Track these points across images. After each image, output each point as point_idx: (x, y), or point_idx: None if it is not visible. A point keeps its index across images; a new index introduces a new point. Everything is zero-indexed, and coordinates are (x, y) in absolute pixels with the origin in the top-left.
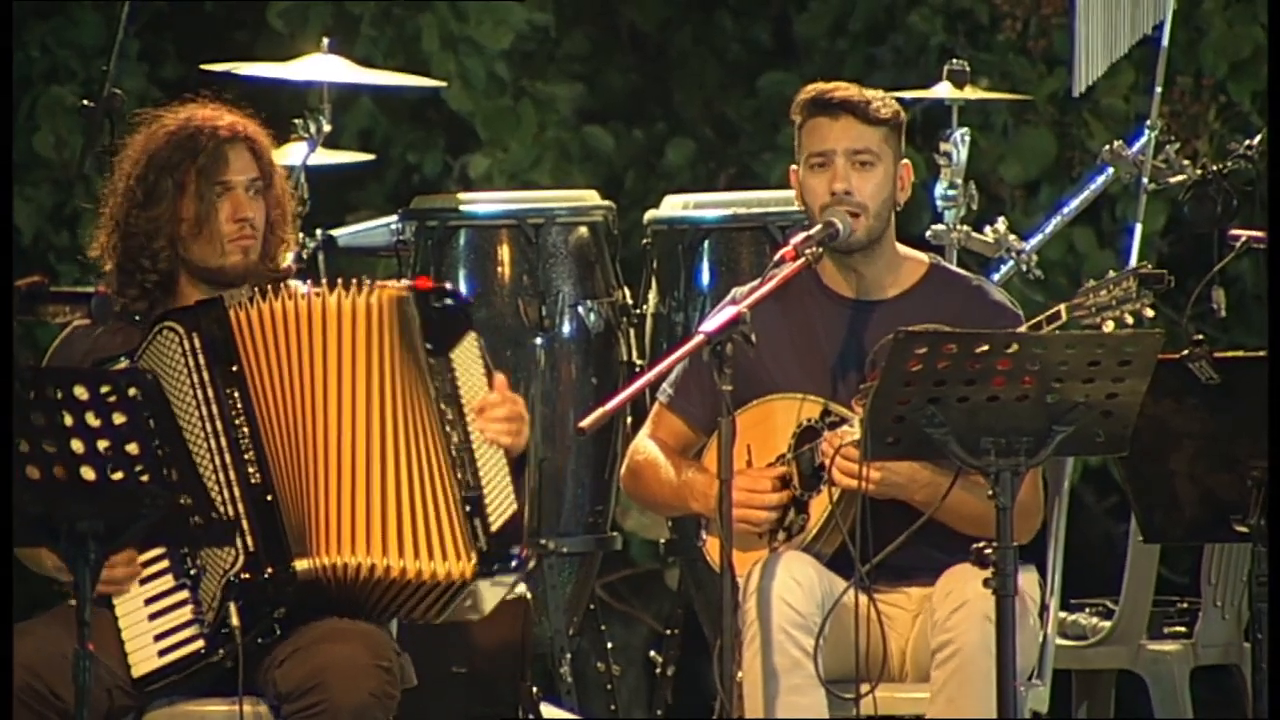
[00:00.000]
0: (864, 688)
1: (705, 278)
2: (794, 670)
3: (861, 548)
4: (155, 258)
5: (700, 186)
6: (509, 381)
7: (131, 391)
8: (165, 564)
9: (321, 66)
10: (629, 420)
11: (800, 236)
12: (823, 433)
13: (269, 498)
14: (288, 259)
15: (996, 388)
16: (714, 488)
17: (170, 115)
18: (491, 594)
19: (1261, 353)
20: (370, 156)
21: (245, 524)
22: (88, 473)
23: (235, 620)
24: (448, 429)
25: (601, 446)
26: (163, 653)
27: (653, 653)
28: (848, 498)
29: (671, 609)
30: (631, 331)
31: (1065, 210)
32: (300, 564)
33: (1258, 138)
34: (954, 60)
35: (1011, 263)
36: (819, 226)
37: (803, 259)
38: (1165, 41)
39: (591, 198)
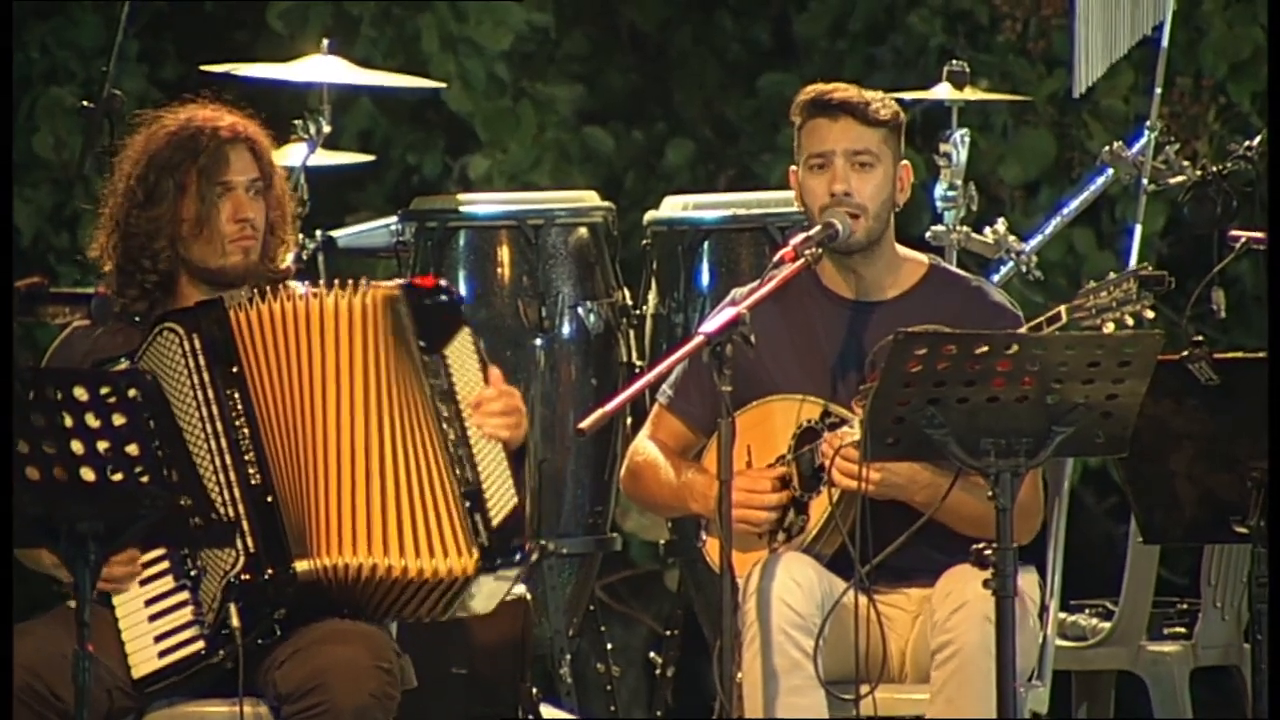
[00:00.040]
0: (864, 688)
1: (705, 279)
2: (794, 671)
3: (861, 549)
4: (155, 258)
5: (700, 187)
6: (508, 382)
7: (131, 392)
8: (165, 565)
9: (321, 67)
10: (629, 421)
11: (800, 237)
12: (822, 434)
13: (269, 499)
14: (287, 260)
15: (996, 389)
16: (714, 488)
17: (170, 116)
18: (495, 588)
19: (1261, 354)
20: (370, 157)
21: (245, 525)
22: (87, 474)
23: (235, 621)
24: (444, 426)
25: (601, 447)
26: (163, 654)
27: (652, 654)
28: (847, 499)
29: (671, 610)
30: (631, 332)
31: (1065, 211)
32: (300, 565)
33: (1257, 138)
34: (954, 61)
35: (1011, 264)
36: (818, 227)
37: (802, 260)
38: (1165, 42)
39: (591, 198)
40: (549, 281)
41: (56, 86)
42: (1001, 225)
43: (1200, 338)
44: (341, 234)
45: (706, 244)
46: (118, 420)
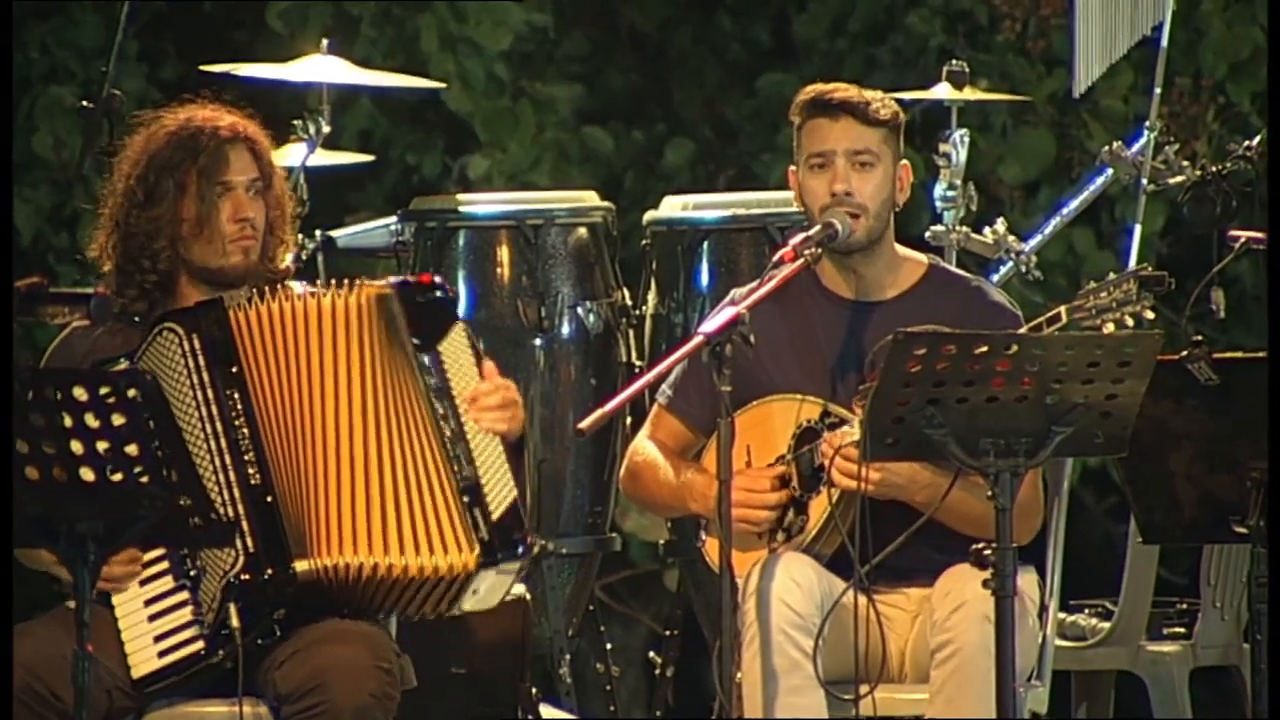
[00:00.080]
0: (863, 688)
1: (704, 279)
2: (793, 671)
3: (861, 549)
4: (155, 258)
5: (700, 187)
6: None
7: (131, 392)
8: (165, 565)
9: (321, 67)
10: (628, 421)
11: (799, 237)
12: (822, 433)
13: (269, 499)
14: (286, 260)
15: (996, 389)
16: (713, 488)
17: (170, 116)
18: (498, 582)
19: (1261, 354)
20: (369, 157)
21: (245, 525)
22: (87, 474)
23: (235, 621)
24: (441, 422)
25: (601, 447)
26: (163, 654)
27: (652, 654)
28: (847, 499)
29: (671, 610)
30: (631, 332)
31: (1064, 211)
32: (300, 565)
33: (1257, 138)
34: (953, 61)
35: (1011, 264)
36: (818, 227)
37: (802, 260)
38: (1164, 42)
39: (591, 198)
40: (548, 281)
41: (56, 86)
42: (1001, 225)
43: (1200, 338)
44: (341, 234)
45: (706, 244)
46: (117, 420)
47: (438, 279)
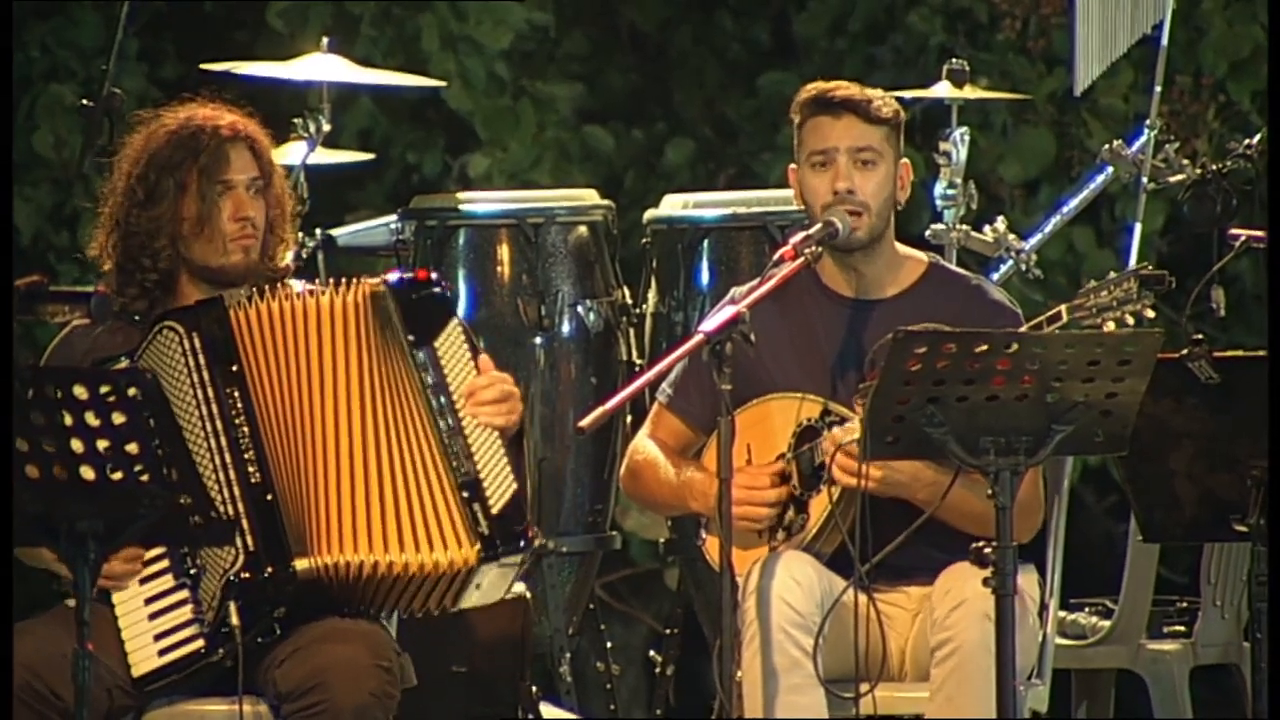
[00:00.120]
0: (863, 687)
1: (705, 277)
2: (793, 670)
3: (861, 547)
4: (156, 257)
5: (700, 186)
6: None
7: (131, 391)
8: (165, 563)
9: (321, 66)
10: (629, 420)
11: (799, 236)
12: (822, 432)
13: (269, 497)
14: (286, 258)
15: (996, 387)
16: (713, 487)
17: (170, 115)
18: (501, 575)
19: (1261, 352)
20: (370, 156)
21: (245, 523)
22: (87, 472)
23: (235, 620)
24: (438, 418)
25: (601, 446)
26: (163, 652)
27: (652, 652)
28: (847, 497)
29: (671, 609)
30: (631, 331)
31: (1065, 210)
32: (300, 563)
33: (1257, 137)
34: (953, 60)
35: (1011, 262)
36: (818, 226)
37: (802, 258)
38: (1165, 41)
39: (591, 197)
40: (549, 280)
41: (57, 85)
42: (1001, 224)
43: (1200, 336)
44: (341, 232)
45: (706, 243)
46: (117, 419)
47: (434, 275)
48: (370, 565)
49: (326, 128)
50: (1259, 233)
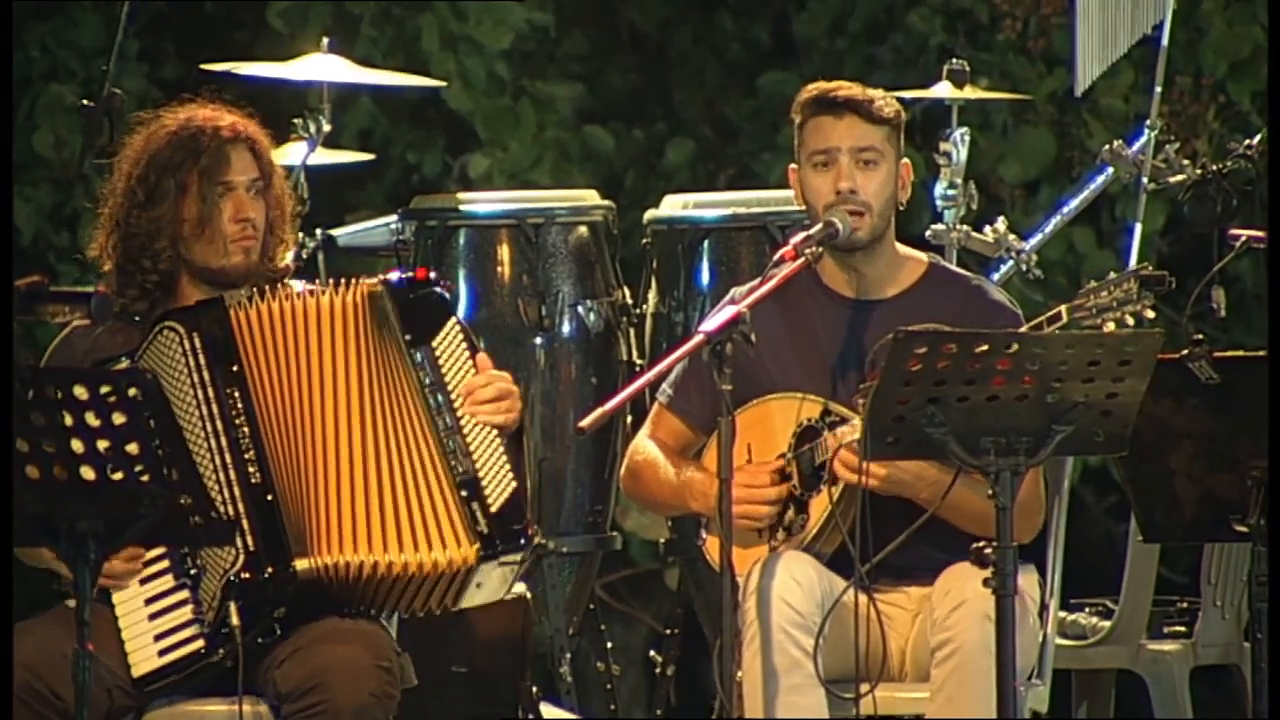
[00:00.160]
0: (864, 687)
1: (705, 277)
2: (794, 670)
3: (861, 547)
4: (156, 258)
5: (700, 186)
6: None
7: (131, 391)
8: (165, 564)
9: (321, 66)
10: (629, 420)
11: (800, 236)
12: (822, 432)
13: (269, 497)
14: (286, 258)
15: (996, 387)
16: (713, 487)
17: (170, 115)
18: (503, 574)
19: (1261, 353)
20: (370, 156)
21: (245, 524)
22: (87, 472)
23: (235, 620)
24: (436, 417)
25: (601, 446)
26: (163, 652)
27: (653, 653)
28: (848, 497)
29: (671, 609)
30: (631, 331)
31: (1065, 210)
32: (300, 563)
33: (1257, 137)
34: (954, 60)
35: (1011, 262)
36: (819, 226)
37: (802, 259)
38: (1165, 41)
39: (591, 197)
40: (549, 280)
41: (57, 85)
42: (1001, 224)
43: (1200, 337)
44: (341, 233)
45: (706, 243)
46: (118, 419)
47: (433, 275)
48: (369, 565)
49: (327, 128)
50: (1259, 233)
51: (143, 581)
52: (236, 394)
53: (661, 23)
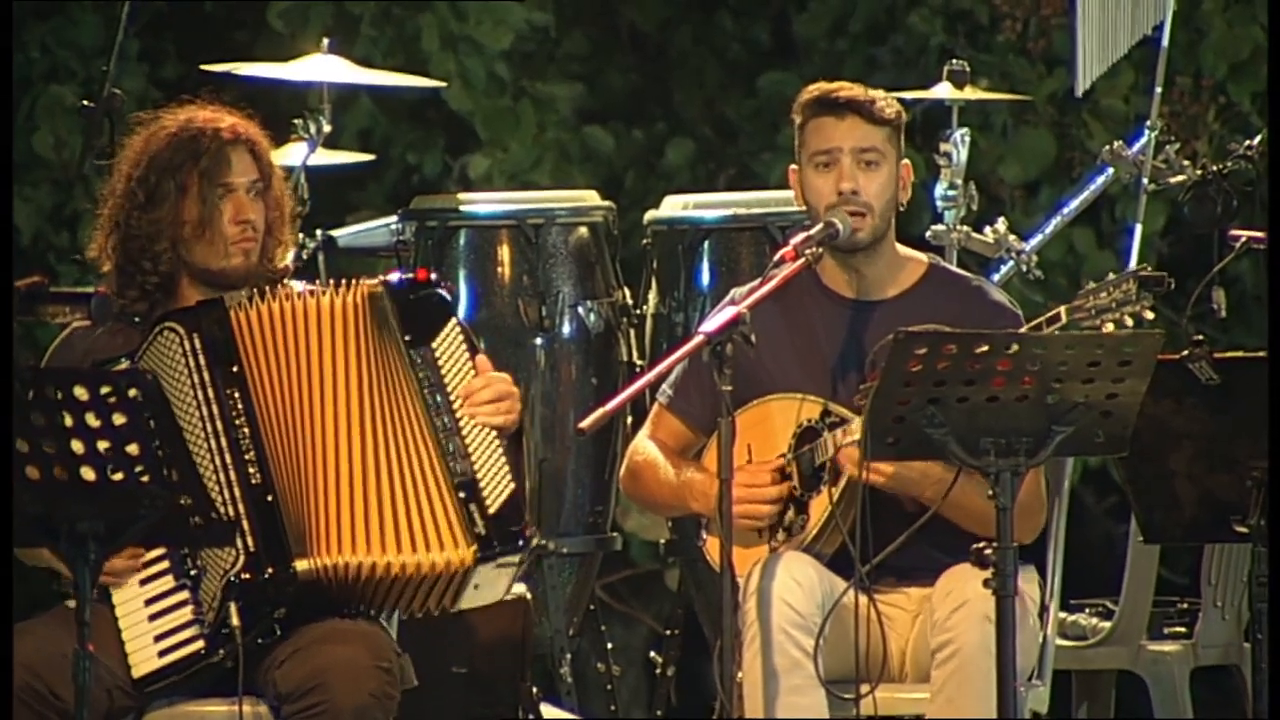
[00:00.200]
0: (864, 688)
1: (705, 278)
2: (794, 670)
3: (861, 548)
4: (156, 260)
5: (700, 186)
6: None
7: (132, 392)
8: (165, 564)
9: (321, 66)
10: (629, 420)
11: (800, 237)
12: (822, 433)
13: (269, 498)
14: (286, 259)
15: (996, 388)
16: (714, 487)
17: (169, 116)
18: (501, 575)
19: (1261, 353)
20: (370, 157)
21: (245, 524)
22: (88, 473)
23: (235, 620)
24: (435, 418)
25: (601, 447)
26: (163, 653)
27: (653, 653)
28: (848, 498)
29: (671, 609)
30: (631, 332)
31: (1065, 211)
32: (300, 564)
33: (1258, 138)
34: (954, 61)
35: (1011, 263)
36: (819, 226)
37: (803, 259)
38: (1165, 42)
39: (591, 198)
40: (549, 281)
41: (57, 85)
42: (1002, 225)
43: (1200, 337)
44: (342, 233)
45: (707, 243)
46: (118, 420)
47: (433, 275)
48: (369, 566)
49: (327, 128)
50: (1259, 234)
51: (143, 582)
52: (236, 395)
53: (661, 23)
